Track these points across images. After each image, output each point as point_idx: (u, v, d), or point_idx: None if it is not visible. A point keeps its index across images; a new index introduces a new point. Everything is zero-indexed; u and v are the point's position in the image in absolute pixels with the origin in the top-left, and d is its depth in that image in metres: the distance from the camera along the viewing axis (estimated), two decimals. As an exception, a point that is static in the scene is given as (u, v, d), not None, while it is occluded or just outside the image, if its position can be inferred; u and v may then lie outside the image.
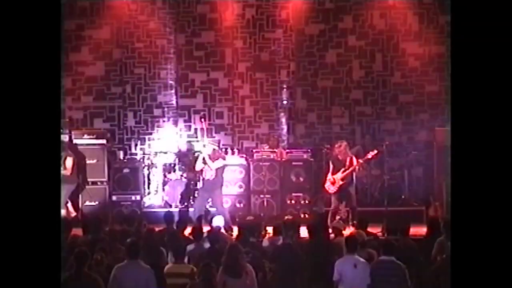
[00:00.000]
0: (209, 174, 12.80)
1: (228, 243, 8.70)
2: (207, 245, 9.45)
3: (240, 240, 9.32)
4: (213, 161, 12.78)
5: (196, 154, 14.39)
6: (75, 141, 14.43)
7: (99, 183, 14.43)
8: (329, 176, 13.09)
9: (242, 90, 16.00)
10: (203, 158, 12.83)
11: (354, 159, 13.02)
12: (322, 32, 15.86)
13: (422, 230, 11.02)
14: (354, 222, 12.25)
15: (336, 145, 13.21)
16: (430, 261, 9.32)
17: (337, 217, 12.51)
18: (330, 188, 13.07)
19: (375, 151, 13.11)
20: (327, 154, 14.44)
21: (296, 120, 15.97)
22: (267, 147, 14.79)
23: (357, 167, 13.03)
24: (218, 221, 10.81)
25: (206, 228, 10.57)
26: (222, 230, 10.81)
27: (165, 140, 15.82)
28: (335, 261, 8.69)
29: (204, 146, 13.19)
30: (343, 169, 12.92)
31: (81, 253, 7.71)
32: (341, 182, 12.92)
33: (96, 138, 14.59)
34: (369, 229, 10.49)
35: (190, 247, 9.33)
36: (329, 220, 12.32)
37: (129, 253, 7.98)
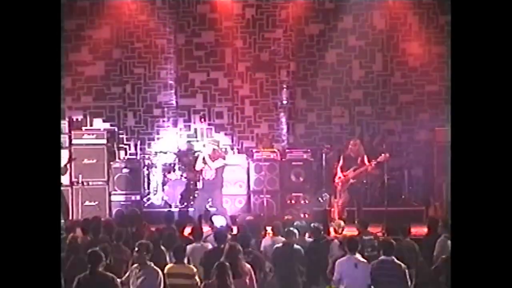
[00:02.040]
0: (209, 174, 12.78)
1: (228, 244, 8.69)
2: (207, 245, 9.44)
3: (240, 240, 9.29)
4: (213, 161, 12.77)
5: (196, 154, 14.40)
6: (75, 141, 14.42)
7: (99, 183, 14.43)
8: (339, 173, 13.03)
9: (242, 90, 16.00)
10: (203, 158, 12.82)
11: (366, 159, 12.98)
12: (322, 32, 15.86)
13: (422, 230, 11.02)
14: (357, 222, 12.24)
15: (351, 143, 13.15)
16: (430, 261, 9.32)
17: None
18: (339, 185, 13.00)
19: (387, 154, 13.01)
20: (327, 154, 14.44)
21: (296, 120, 15.97)
22: (261, 147, 14.78)
23: (369, 168, 12.99)
24: (218, 221, 10.80)
25: (205, 228, 10.55)
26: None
27: (165, 140, 15.82)
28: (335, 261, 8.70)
29: (204, 146, 13.18)
30: (354, 167, 12.89)
31: (94, 253, 7.71)
32: (352, 181, 12.90)
33: (96, 138, 14.59)
34: (369, 229, 10.47)
35: (190, 247, 9.32)
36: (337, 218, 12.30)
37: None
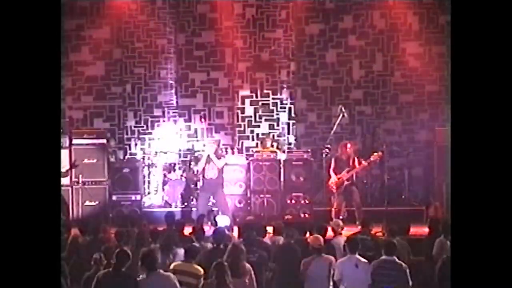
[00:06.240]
0: (212, 173, 12.77)
1: (231, 243, 8.68)
2: (207, 245, 9.43)
3: (246, 239, 9.27)
4: (218, 159, 12.76)
5: (196, 154, 14.39)
6: (75, 141, 14.41)
7: (99, 183, 14.41)
8: (333, 175, 13.02)
9: (242, 90, 16.00)
10: (208, 156, 12.78)
11: (356, 160, 12.98)
12: (322, 32, 15.86)
13: (422, 230, 11.02)
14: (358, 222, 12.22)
15: (346, 145, 13.11)
16: (430, 261, 9.32)
17: (341, 217, 12.49)
18: (334, 187, 12.98)
19: (380, 153, 13.02)
20: (327, 154, 14.43)
21: (296, 120, 15.97)
22: (261, 147, 14.77)
23: (361, 168, 12.97)
24: (223, 221, 10.77)
25: (206, 228, 10.54)
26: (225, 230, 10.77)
27: (165, 140, 15.81)
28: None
29: (204, 145, 13.17)
30: (347, 169, 12.89)
31: (122, 252, 7.68)
32: (346, 182, 12.90)
33: (96, 138, 14.58)
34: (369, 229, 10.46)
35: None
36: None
37: (147, 266, 7.68)
